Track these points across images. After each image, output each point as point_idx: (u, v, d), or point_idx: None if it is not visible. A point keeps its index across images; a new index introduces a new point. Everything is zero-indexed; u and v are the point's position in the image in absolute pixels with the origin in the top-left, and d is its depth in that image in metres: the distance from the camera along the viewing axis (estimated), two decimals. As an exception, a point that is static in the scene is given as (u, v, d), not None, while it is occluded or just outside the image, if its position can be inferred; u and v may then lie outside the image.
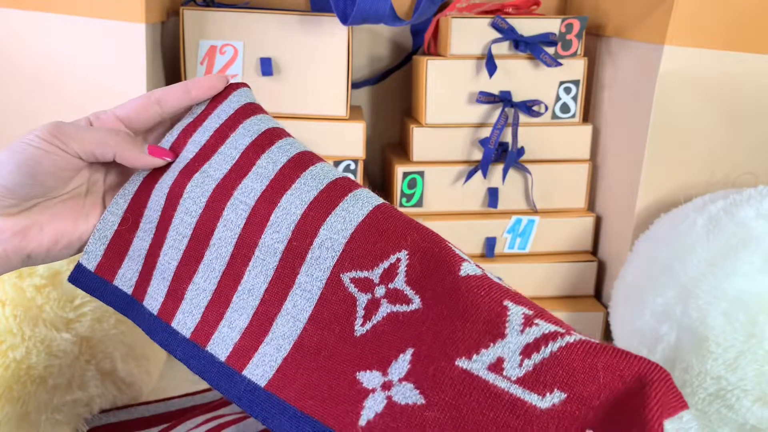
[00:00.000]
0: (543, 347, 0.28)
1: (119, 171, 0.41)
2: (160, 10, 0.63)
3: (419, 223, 0.35)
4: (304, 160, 0.38)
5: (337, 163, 0.67)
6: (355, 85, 0.79)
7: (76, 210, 0.39)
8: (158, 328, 0.38)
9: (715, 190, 0.61)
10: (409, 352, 0.31)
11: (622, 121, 0.66)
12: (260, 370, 0.35)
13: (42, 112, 0.63)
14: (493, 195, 0.69)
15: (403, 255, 0.34)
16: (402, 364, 0.31)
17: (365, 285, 0.34)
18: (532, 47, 0.65)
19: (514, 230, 0.70)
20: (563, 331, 0.28)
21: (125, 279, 0.39)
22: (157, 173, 0.40)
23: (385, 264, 0.34)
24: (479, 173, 0.67)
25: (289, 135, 0.40)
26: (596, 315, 0.68)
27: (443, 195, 0.69)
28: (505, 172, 0.67)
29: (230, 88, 0.41)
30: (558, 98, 0.68)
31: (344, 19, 0.61)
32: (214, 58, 0.64)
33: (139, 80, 0.60)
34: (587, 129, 0.69)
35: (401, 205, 0.69)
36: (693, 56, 0.58)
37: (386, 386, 0.31)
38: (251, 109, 0.40)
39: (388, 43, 0.80)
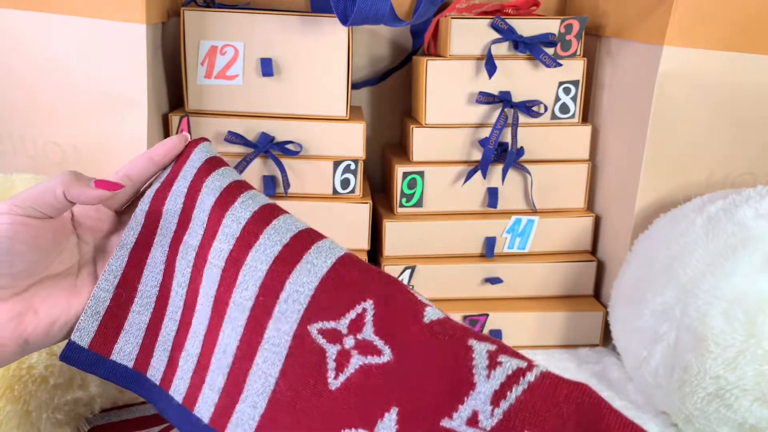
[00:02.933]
0: (508, 393, 0.30)
1: (103, 248, 0.41)
2: (160, 11, 0.63)
3: (382, 270, 0.36)
4: (265, 215, 0.38)
5: (337, 163, 0.67)
6: (355, 85, 0.79)
7: (68, 289, 0.39)
8: (161, 397, 0.39)
9: (714, 190, 0.61)
10: (394, 411, 0.32)
11: (622, 121, 0.66)
12: (240, 430, 0.35)
13: (42, 112, 0.63)
14: (492, 195, 0.69)
15: (368, 305, 0.35)
16: (389, 423, 0.32)
17: (333, 336, 0.35)
18: (532, 48, 0.65)
19: (514, 230, 0.70)
20: (524, 366, 0.31)
21: (124, 353, 0.40)
22: (143, 247, 0.41)
23: (352, 314, 0.35)
24: (479, 173, 0.68)
25: (250, 188, 0.40)
26: (596, 315, 0.68)
27: (443, 195, 0.69)
28: (504, 172, 0.67)
29: (191, 146, 0.42)
30: (557, 98, 0.68)
31: (344, 20, 0.61)
32: (215, 58, 0.64)
33: (139, 81, 0.60)
34: (586, 129, 0.70)
35: (401, 205, 0.69)
36: (692, 57, 0.58)
37: None
38: (212, 165, 0.41)
39: (388, 44, 0.80)
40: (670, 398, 0.53)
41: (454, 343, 0.32)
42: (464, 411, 0.31)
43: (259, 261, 0.37)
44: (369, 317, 0.34)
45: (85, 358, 0.40)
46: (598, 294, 0.72)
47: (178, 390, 0.38)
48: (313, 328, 0.35)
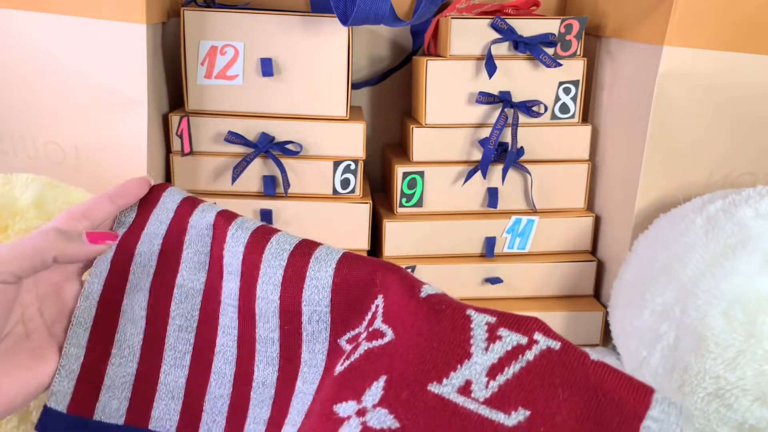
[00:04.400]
0: (506, 368, 0.29)
1: (54, 300, 0.38)
2: (160, 11, 0.63)
3: (378, 260, 0.37)
4: (257, 242, 0.38)
5: (337, 163, 0.67)
6: (355, 85, 0.79)
7: (26, 356, 0.35)
8: None
9: (714, 190, 0.61)
10: (383, 379, 0.32)
11: (622, 121, 0.66)
12: None
13: (42, 112, 0.63)
14: (492, 195, 0.69)
15: (380, 300, 0.35)
16: (375, 390, 0.32)
17: (355, 338, 0.36)
18: (532, 48, 0.65)
19: (514, 230, 0.70)
20: (525, 343, 0.30)
21: (110, 410, 0.38)
22: (113, 294, 0.39)
23: (368, 315, 0.35)
24: (479, 173, 0.68)
25: (235, 216, 0.39)
26: (595, 315, 0.68)
27: (443, 195, 0.69)
28: (504, 172, 0.67)
29: (157, 191, 0.41)
30: (557, 98, 0.68)
31: (344, 20, 0.61)
32: (215, 58, 0.64)
33: (139, 81, 0.60)
34: (586, 129, 0.70)
35: (401, 205, 0.69)
36: (692, 57, 0.58)
37: (361, 413, 0.31)
38: (190, 205, 0.40)
39: (388, 44, 0.80)
40: (670, 398, 0.53)
41: (453, 312, 0.31)
42: (456, 379, 0.30)
43: (269, 291, 0.37)
44: (380, 311, 0.35)
45: (66, 423, 0.37)
46: (598, 294, 0.72)
47: None
48: (342, 340, 0.36)
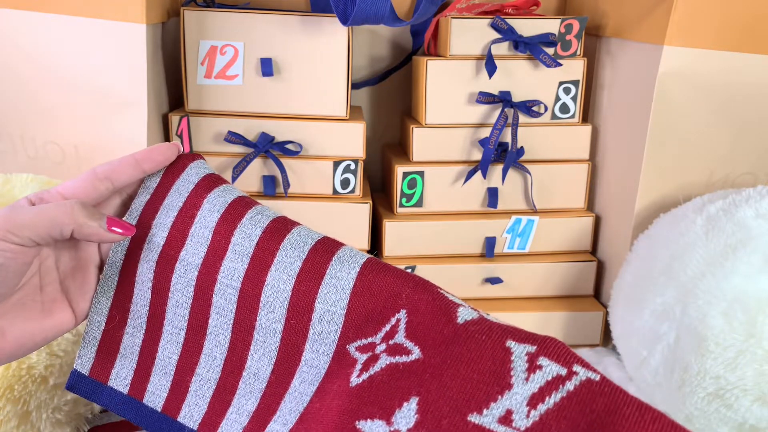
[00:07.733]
0: (547, 398, 0.29)
1: (71, 255, 0.39)
2: (160, 11, 0.63)
3: (408, 273, 0.36)
4: (278, 229, 0.37)
5: (337, 163, 0.67)
6: (355, 85, 0.79)
7: (36, 309, 0.36)
8: (163, 424, 0.38)
9: (714, 190, 0.61)
10: (414, 401, 0.31)
11: (622, 121, 0.66)
12: None
13: (42, 112, 0.63)
14: (492, 195, 0.69)
15: (402, 315, 0.34)
16: (408, 413, 0.31)
17: (368, 348, 0.34)
18: (532, 48, 0.65)
19: (514, 230, 0.70)
20: (564, 374, 0.30)
21: (120, 378, 0.39)
22: (132, 263, 0.39)
23: (387, 327, 0.34)
24: (479, 173, 0.68)
25: (255, 203, 0.39)
26: (596, 315, 0.68)
27: (443, 195, 0.69)
28: (504, 172, 0.67)
29: (185, 160, 0.40)
30: (557, 98, 0.68)
31: (344, 20, 0.61)
32: (215, 58, 0.64)
33: (139, 81, 0.60)
34: (586, 129, 0.70)
35: (401, 205, 0.69)
36: (692, 57, 0.58)
37: None
38: (212, 181, 0.39)
39: (388, 44, 0.80)
40: (670, 398, 0.53)
41: (492, 344, 0.31)
42: (497, 409, 0.30)
43: (281, 281, 0.36)
44: (402, 326, 0.34)
45: (87, 386, 0.39)
46: (598, 294, 0.72)
47: (190, 416, 0.37)
48: (352, 347, 0.35)
